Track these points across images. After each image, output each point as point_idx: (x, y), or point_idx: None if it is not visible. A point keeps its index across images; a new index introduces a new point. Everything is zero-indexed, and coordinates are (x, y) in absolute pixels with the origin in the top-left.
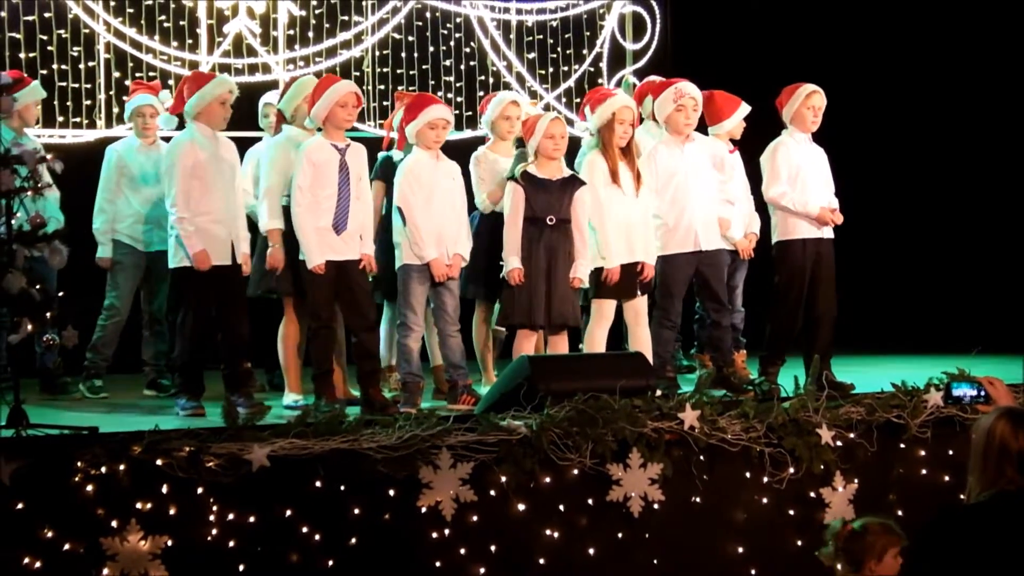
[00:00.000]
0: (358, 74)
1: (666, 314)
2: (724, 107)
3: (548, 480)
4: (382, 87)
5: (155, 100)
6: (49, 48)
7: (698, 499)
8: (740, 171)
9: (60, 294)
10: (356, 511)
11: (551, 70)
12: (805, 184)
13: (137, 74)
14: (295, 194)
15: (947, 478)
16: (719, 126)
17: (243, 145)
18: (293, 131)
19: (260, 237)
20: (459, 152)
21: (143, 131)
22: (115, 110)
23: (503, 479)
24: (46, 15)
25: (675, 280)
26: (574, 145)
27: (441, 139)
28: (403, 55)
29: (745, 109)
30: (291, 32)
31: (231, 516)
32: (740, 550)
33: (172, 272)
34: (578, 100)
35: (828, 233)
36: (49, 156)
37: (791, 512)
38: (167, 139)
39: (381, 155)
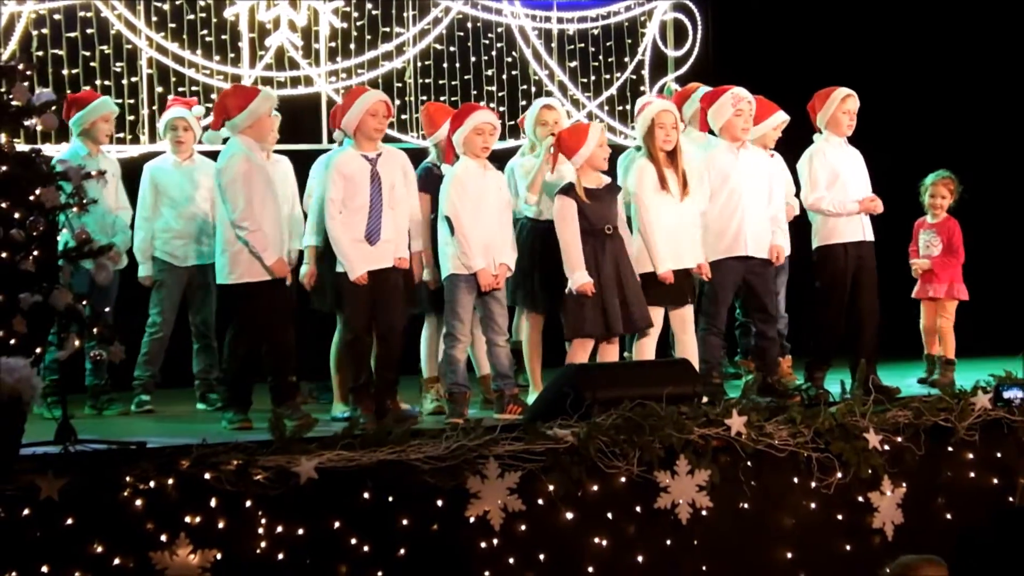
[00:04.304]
0: (400, 85)
1: (713, 320)
2: (758, 112)
3: (596, 488)
4: (424, 98)
5: (187, 113)
6: (92, 64)
7: (746, 505)
8: (782, 177)
9: (107, 310)
10: (404, 522)
11: (593, 78)
12: (844, 187)
13: (180, 88)
14: (328, 207)
15: (996, 481)
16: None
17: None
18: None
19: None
20: (503, 162)
21: (176, 145)
22: (159, 125)
23: (551, 488)
24: (88, 31)
25: (723, 286)
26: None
27: (489, 145)
28: (445, 66)
29: (777, 118)
30: (333, 44)
31: (280, 529)
32: (789, 556)
33: (225, 289)
34: (620, 108)
35: (869, 236)
36: (95, 173)
37: (839, 517)
38: (206, 154)
39: (422, 166)
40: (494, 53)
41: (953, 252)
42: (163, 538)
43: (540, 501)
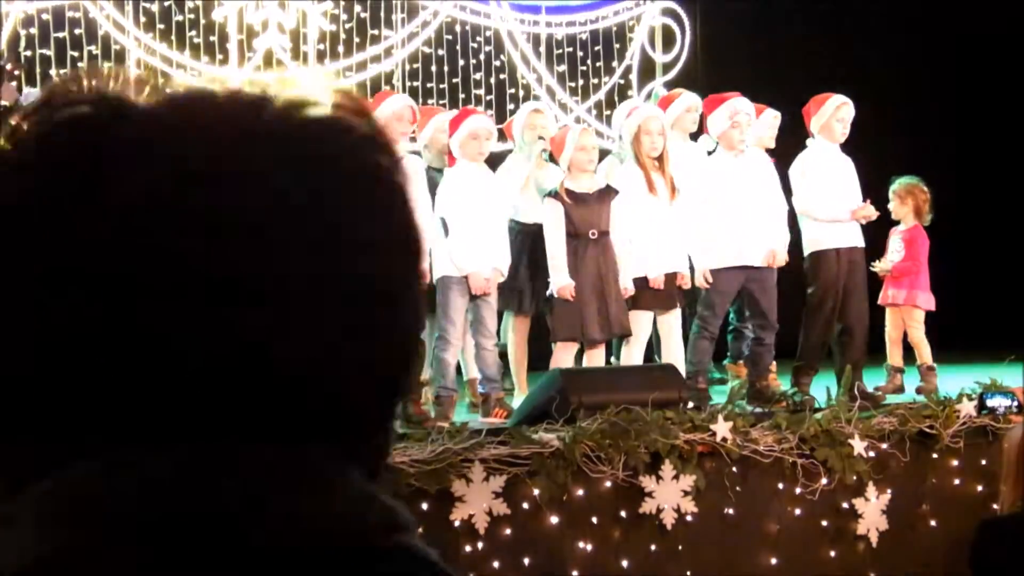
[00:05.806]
0: (388, 88)
1: (707, 324)
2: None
3: (581, 493)
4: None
5: None
6: (80, 64)
7: (730, 510)
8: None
9: None
10: None
11: (581, 83)
12: (834, 194)
13: (168, 90)
14: None
15: (980, 488)
16: None
17: None
18: None
19: None
20: (489, 165)
21: None
22: None
23: (536, 492)
24: (76, 31)
25: (721, 294)
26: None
27: (485, 151)
28: (433, 69)
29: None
30: (321, 47)
31: None
32: (773, 561)
33: None
34: (608, 112)
35: (859, 242)
36: None
37: (824, 523)
38: None
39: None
40: (482, 57)
41: (913, 259)
42: None
43: (525, 505)
